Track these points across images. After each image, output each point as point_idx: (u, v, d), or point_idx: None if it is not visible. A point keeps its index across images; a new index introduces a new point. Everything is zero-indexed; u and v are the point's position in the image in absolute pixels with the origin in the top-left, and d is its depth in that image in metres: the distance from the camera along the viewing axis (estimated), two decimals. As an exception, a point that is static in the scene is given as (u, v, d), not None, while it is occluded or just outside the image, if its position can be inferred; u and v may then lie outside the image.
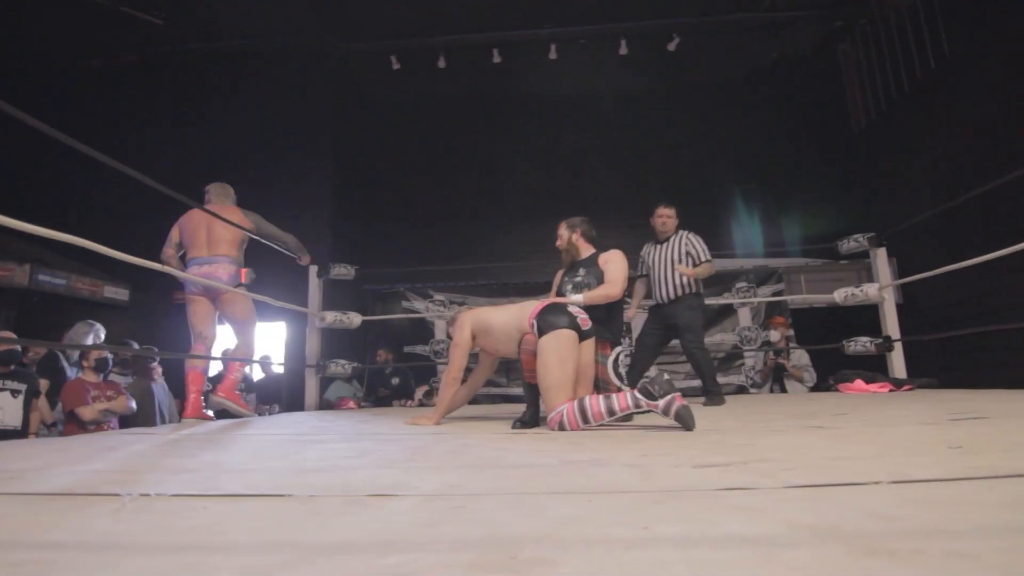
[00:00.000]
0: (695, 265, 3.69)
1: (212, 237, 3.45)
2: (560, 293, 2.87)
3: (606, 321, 2.72)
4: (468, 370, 2.83)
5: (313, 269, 4.67)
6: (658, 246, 3.84)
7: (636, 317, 5.99)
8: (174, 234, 3.53)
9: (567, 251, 2.94)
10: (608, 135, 7.75)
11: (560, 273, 3.01)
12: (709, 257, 3.72)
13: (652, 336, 3.85)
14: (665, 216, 3.80)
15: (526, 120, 7.84)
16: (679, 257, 3.71)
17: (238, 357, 3.56)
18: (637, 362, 3.80)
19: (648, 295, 3.93)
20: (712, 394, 3.55)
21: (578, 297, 2.69)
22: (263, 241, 3.71)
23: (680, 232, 3.79)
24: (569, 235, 2.94)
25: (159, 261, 3.13)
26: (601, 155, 7.72)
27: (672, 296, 3.73)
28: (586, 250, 2.93)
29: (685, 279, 3.69)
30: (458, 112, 7.89)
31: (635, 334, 6.14)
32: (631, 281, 3.38)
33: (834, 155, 7.22)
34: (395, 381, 5.54)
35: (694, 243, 3.73)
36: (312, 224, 6.09)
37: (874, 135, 6.64)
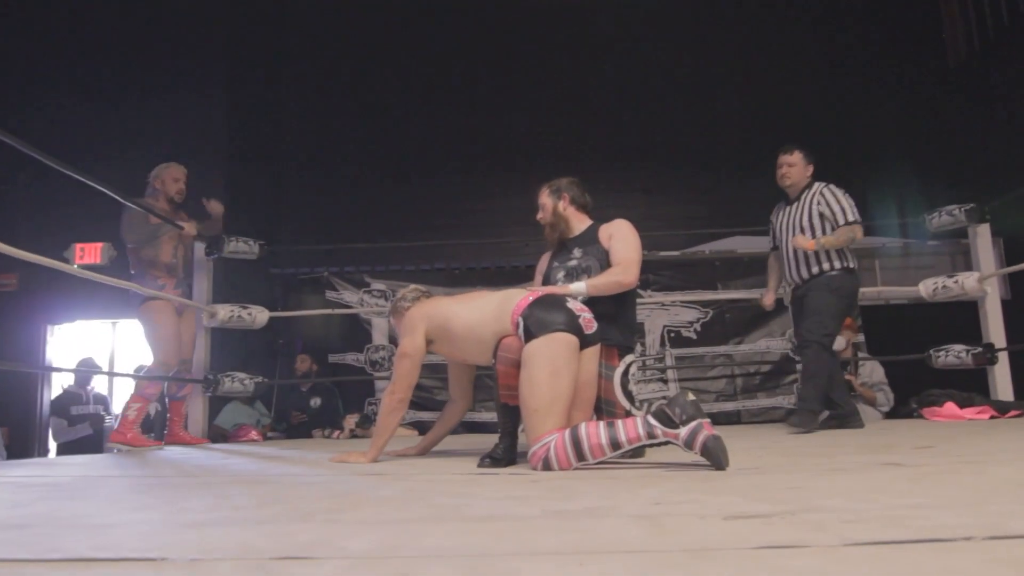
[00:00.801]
0: (831, 231, 3.60)
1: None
2: (549, 283, 2.84)
3: (614, 319, 2.71)
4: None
5: (200, 245, 4.60)
6: (787, 208, 3.83)
7: (654, 315, 5.97)
8: None
9: (553, 226, 2.89)
10: (619, 64, 7.75)
11: (546, 256, 2.99)
12: (853, 218, 3.63)
13: None
14: (786, 165, 3.78)
15: (506, 39, 7.78)
16: (807, 222, 3.67)
17: (136, 389, 3.97)
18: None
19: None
20: (803, 410, 3.51)
21: (579, 286, 2.65)
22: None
23: (815, 186, 3.75)
24: (554, 204, 2.89)
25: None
26: (607, 90, 7.72)
27: (804, 276, 3.70)
28: (580, 223, 2.90)
29: (816, 251, 3.63)
30: (409, 23, 7.79)
31: (650, 338, 6.23)
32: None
33: (922, 97, 7.33)
34: (316, 403, 5.51)
35: (830, 200, 3.66)
36: (198, 179, 5.96)
37: (976, 72, 6.77)
